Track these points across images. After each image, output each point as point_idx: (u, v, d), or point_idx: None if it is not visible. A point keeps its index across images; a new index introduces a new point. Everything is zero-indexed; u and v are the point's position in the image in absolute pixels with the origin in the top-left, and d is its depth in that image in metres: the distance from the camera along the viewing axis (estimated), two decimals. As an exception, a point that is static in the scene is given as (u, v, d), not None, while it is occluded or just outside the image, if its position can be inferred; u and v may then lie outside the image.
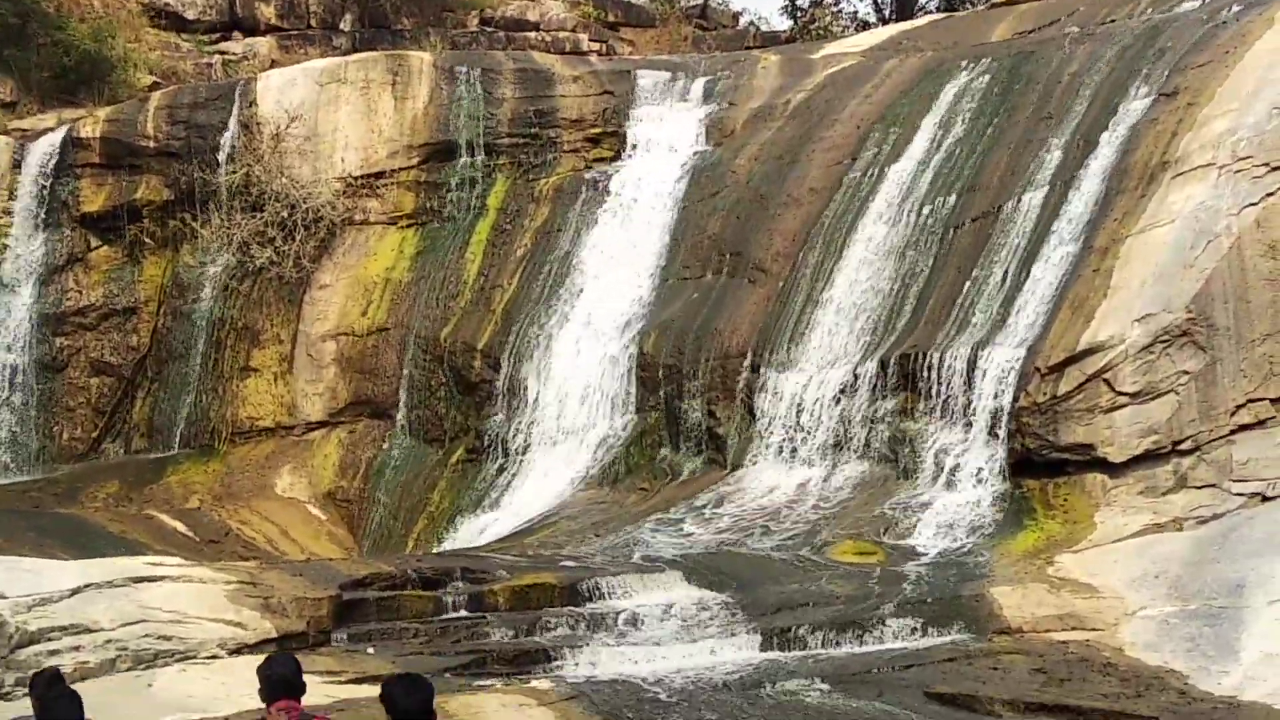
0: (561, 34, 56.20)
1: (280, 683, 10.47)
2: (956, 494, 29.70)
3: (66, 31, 47.42)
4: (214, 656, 22.55)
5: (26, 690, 14.00)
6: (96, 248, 41.46)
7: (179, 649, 22.50)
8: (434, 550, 32.13)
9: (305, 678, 11.72)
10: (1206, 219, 30.02)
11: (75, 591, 24.48)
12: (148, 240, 41.25)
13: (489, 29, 55.65)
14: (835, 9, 60.97)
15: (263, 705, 10.30)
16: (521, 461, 35.36)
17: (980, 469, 29.87)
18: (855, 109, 38.39)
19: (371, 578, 26.13)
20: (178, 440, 39.19)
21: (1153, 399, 28.71)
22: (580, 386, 35.76)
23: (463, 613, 24.94)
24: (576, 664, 23.32)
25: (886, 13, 59.23)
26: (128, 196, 41.31)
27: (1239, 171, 30.57)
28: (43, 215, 41.66)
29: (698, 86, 41.86)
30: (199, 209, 40.56)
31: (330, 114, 41.01)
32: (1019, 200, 33.25)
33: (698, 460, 33.65)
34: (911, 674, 22.60)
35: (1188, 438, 28.55)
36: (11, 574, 24.76)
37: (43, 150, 42.13)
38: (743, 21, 64.22)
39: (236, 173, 40.42)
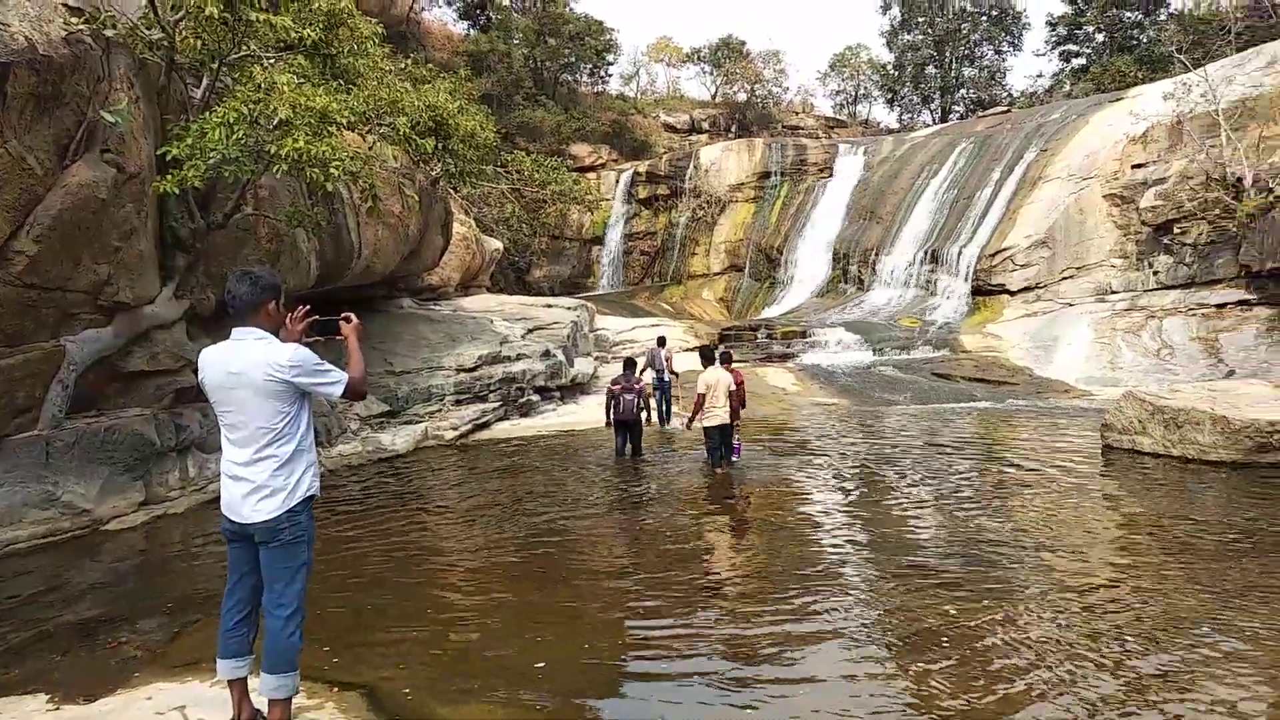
0: (813, 130, 54.65)
1: (704, 356, 11.47)
2: (950, 301, 28.97)
3: (635, 134, 47.94)
4: (678, 350, 23.37)
5: (620, 361, 14.95)
6: (642, 211, 42.10)
7: (668, 348, 23.38)
8: (755, 318, 32.35)
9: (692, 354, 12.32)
10: (1055, 199, 28.37)
11: (632, 328, 25.53)
12: (660, 206, 41.80)
13: (786, 128, 54.37)
14: (914, 120, 58.02)
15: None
16: (789, 287, 35.45)
17: (961, 293, 28.92)
18: (920, 156, 36.73)
19: (733, 327, 26.75)
20: (669, 279, 40.02)
21: (1028, 268, 27.42)
22: (810, 261, 35.46)
23: (764, 339, 25.26)
24: (802, 359, 23.85)
25: (935, 120, 55.76)
26: (653, 193, 41.83)
27: (1067, 181, 28.62)
28: (624, 198, 42.48)
29: (860, 150, 40.48)
30: (678, 198, 40.96)
31: (726, 162, 40.72)
32: (982, 191, 31.58)
33: (852, 288, 33.15)
34: (928, 366, 22.66)
35: (1040, 282, 27.21)
36: (611, 321, 25.94)
37: (625, 175, 42.70)
38: (881, 125, 61.36)
39: (692, 183, 40.64)
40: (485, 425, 15.29)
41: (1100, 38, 50.61)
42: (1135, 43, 48.21)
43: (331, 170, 8.66)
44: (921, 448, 12.78)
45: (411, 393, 14.82)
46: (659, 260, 41.22)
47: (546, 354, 17.86)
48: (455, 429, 14.45)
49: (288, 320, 4.22)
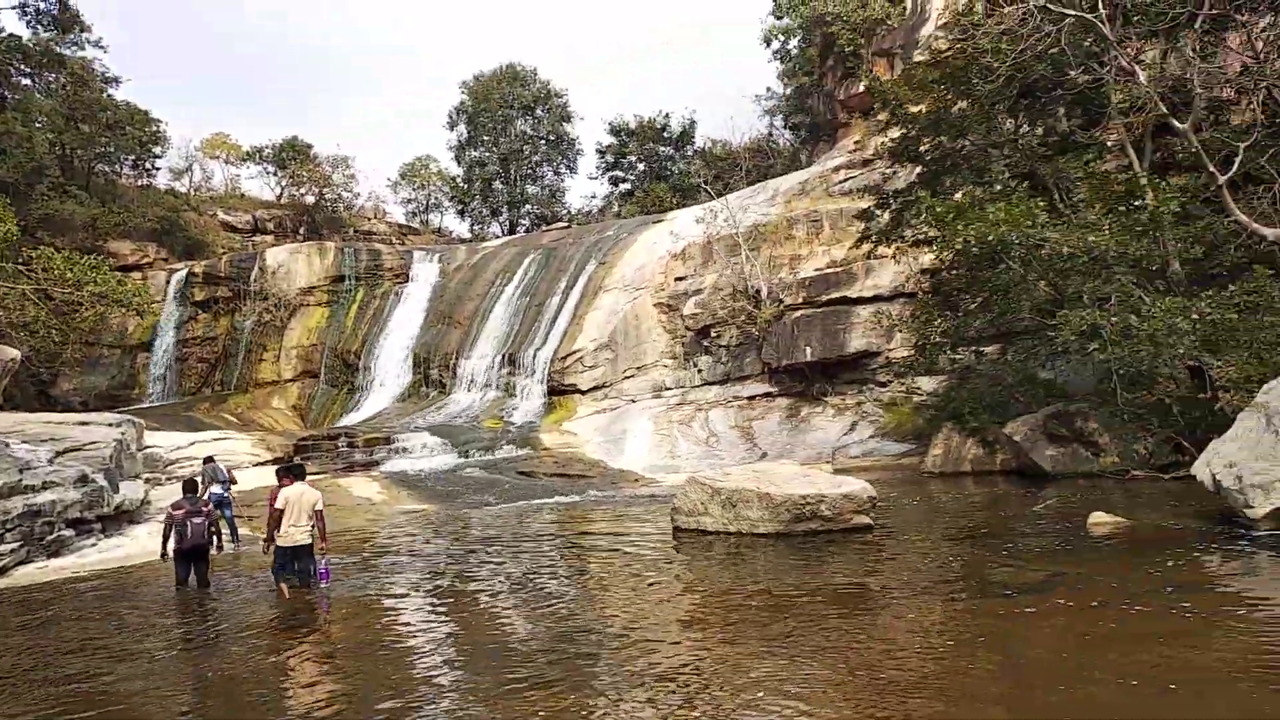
0: (386, 236, 54.46)
1: (282, 470, 10.57)
2: (529, 402, 29.59)
3: (189, 232, 44.05)
4: (248, 466, 21.32)
5: (180, 482, 13.15)
6: (200, 314, 38.35)
7: (236, 463, 21.07)
8: (334, 426, 30.70)
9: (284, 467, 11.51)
10: (615, 307, 30.88)
11: (190, 444, 22.94)
12: (221, 310, 38.53)
13: (359, 233, 53.55)
14: (485, 230, 60.70)
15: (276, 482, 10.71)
16: (369, 393, 34.08)
17: (538, 393, 29.79)
18: (494, 265, 38.06)
19: (310, 436, 25.08)
20: (233, 387, 36.63)
21: (596, 368, 29.37)
22: (391, 365, 34.57)
23: (345, 448, 24.06)
24: (387, 466, 22.92)
25: (504, 231, 58.83)
26: (213, 294, 38.49)
27: (624, 291, 31.52)
28: (177, 300, 38.60)
29: (435, 257, 40.92)
30: (242, 300, 38.11)
31: (295, 264, 38.77)
32: (552, 299, 33.25)
33: (435, 392, 32.54)
34: (512, 465, 22.81)
35: (607, 381, 29.27)
36: (165, 437, 23.09)
37: (178, 276, 38.82)
38: (454, 234, 63.03)
39: (258, 284, 38.12)
40: (1, 572, 12.57)
41: (641, 166, 57.64)
42: (669, 173, 55.64)
43: None
44: (510, 546, 12.92)
45: (-113, 540, 11.73)
46: (221, 367, 37.67)
47: (83, 480, 15.27)
48: (-46, 581, 11.68)
49: None
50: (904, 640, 7.24)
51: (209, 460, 16.27)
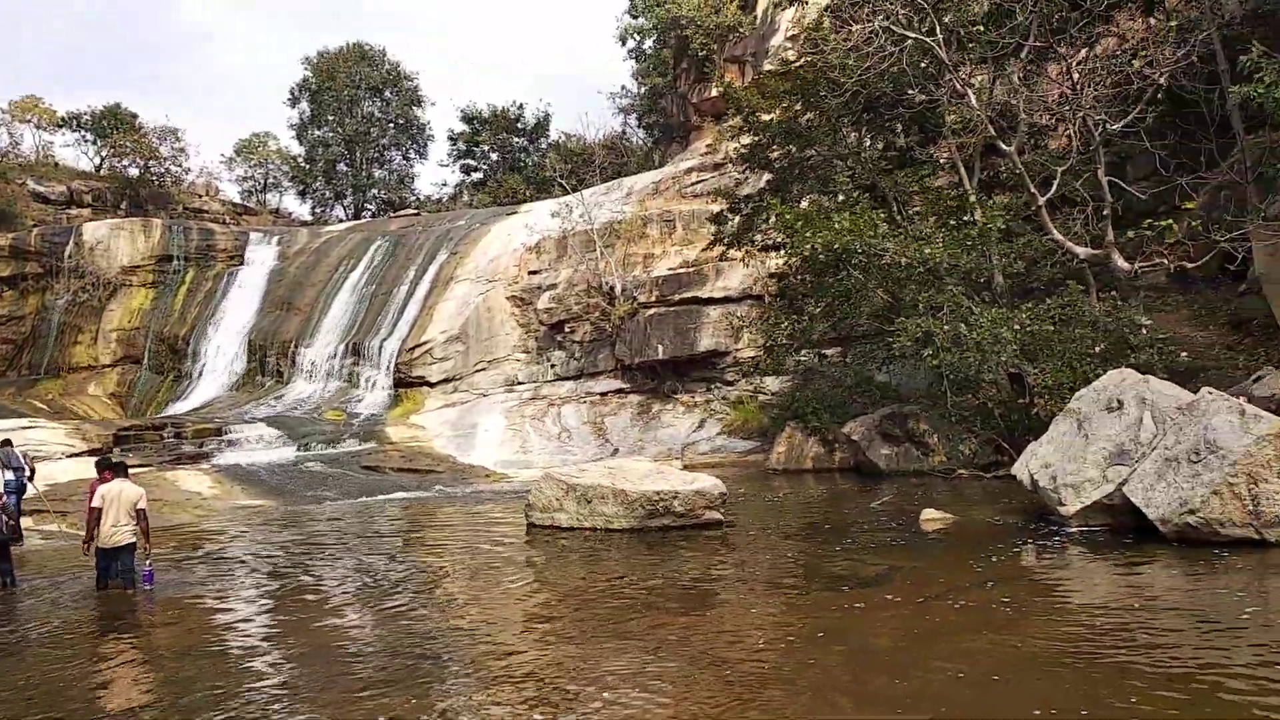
0: (219, 215, 51.22)
1: (102, 464, 9.92)
2: (374, 393, 28.94)
3: (-9, 199, 40.17)
4: (61, 458, 19.70)
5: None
6: (4, 291, 34.92)
7: (47, 454, 19.38)
8: (160, 415, 28.73)
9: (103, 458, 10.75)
10: (466, 298, 30.38)
11: (-8, 433, 21.02)
12: (30, 288, 35.29)
13: (189, 210, 50.12)
14: (328, 213, 58.20)
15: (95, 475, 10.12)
16: (199, 381, 32.05)
17: (384, 385, 29.08)
18: (337, 250, 36.61)
19: (131, 426, 23.40)
20: (44, 372, 33.62)
21: (446, 360, 28.86)
22: (223, 352, 32.61)
23: (172, 439, 22.60)
24: (219, 459, 21.75)
25: (349, 215, 56.60)
26: (20, 270, 35.16)
27: (476, 282, 31.03)
28: (-22, 276, 35.21)
29: (274, 239, 38.89)
30: (55, 277, 35.01)
31: (117, 241, 35.94)
32: (400, 288, 32.49)
33: (271, 381, 31.01)
34: (356, 459, 22.22)
35: (458, 374, 28.79)
36: (-40, 426, 21.02)
37: (-22, 249, 35.53)
38: (294, 216, 59.98)
39: (73, 261, 35.13)
40: None
41: (495, 156, 56.80)
42: (524, 164, 55.10)
43: None
44: (354, 544, 12.50)
45: None
46: (29, 350, 34.44)
47: None
48: None
49: None
50: (754, 633, 7.46)
51: (5, 444, 15.02)
